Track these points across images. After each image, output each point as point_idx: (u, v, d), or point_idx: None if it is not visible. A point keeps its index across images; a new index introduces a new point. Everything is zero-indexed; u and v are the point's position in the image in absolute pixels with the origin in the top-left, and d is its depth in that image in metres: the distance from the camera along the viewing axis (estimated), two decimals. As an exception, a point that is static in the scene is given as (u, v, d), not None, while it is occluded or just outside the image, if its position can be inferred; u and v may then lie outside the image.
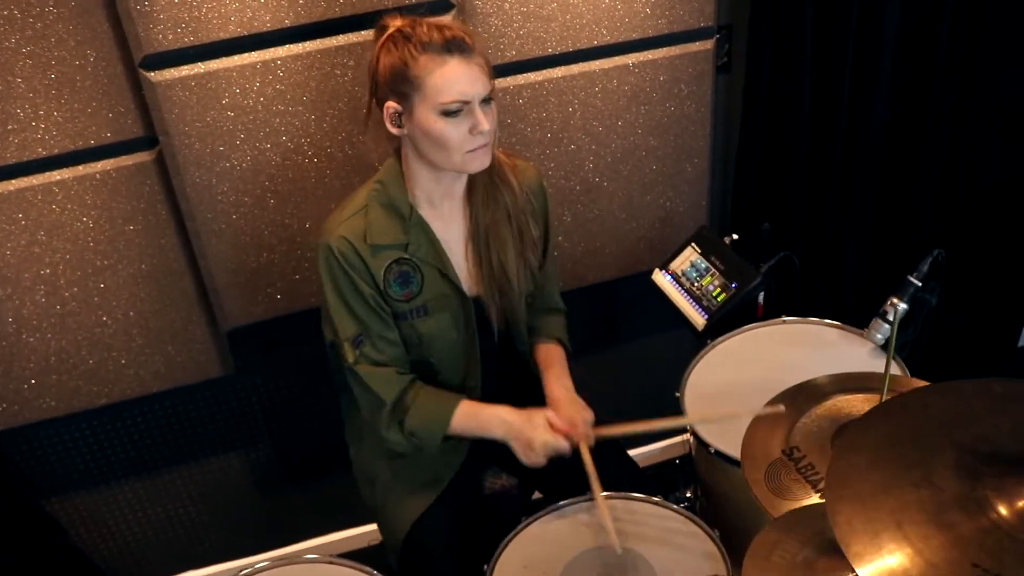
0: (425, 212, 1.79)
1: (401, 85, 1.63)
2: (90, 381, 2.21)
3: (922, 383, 1.61)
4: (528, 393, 1.99)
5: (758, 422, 1.59)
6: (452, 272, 1.81)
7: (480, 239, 1.83)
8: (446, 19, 1.65)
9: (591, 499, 1.77)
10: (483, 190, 1.82)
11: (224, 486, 2.58)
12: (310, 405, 2.51)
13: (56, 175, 1.98)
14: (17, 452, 2.34)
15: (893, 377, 1.64)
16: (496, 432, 1.79)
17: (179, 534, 2.62)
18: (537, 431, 1.75)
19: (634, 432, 1.81)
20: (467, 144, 1.64)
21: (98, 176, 2.00)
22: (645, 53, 2.25)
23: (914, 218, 2.54)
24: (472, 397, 1.87)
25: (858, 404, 1.55)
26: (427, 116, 1.61)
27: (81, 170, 1.99)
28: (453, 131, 1.62)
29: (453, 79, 1.59)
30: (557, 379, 1.92)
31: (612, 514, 1.71)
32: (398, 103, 1.65)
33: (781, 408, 1.57)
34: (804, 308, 2.27)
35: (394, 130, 1.69)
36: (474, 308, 1.85)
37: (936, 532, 0.98)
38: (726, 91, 2.47)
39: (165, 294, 2.17)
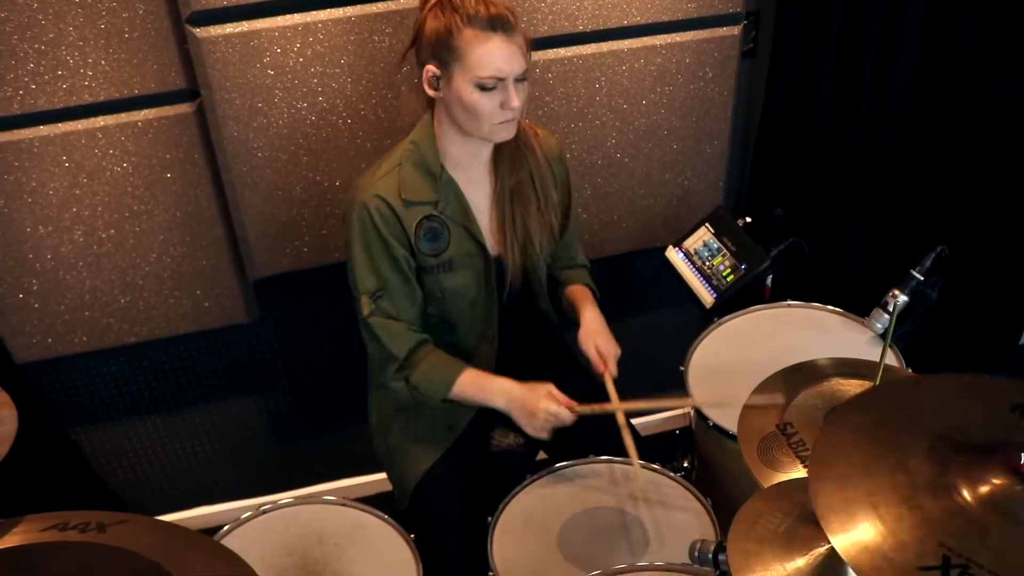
0: (454, 172, 1.87)
1: (443, 52, 1.70)
2: (121, 319, 2.31)
3: (912, 374, 1.69)
4: (543, 351, 2.09)
5: (755, 395, 1.68)
6: (478, 230, 1.89)
7: (505, 200, 1.92)
8: None
9: (591, 460, 1.88)
10: (508, 155, 1.90)
11: (241, 428, 2.69)
12: (329, 356, 2.61)
13: (100, 121, 2.06)
14: (48, 383, 2.45)
15: (887, 367, 1.72)
16: (498, 402, 1.86)
17: (195, 471, 2.74)
18: (540, 401, 1.81)
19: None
20: (497, 117, 1.72)
21: (140, 124, 2.08)
22: (673, 35, 2.30)
23: (926, 211, 2.60)
24: (490, 350, 1.96)
25: (852, 388, 1.63)
26: (464, 86, 1.69)
27: (124, 118, 2.07)
28: (486, 103, 1.69)
29: (494, 55, 1.66)
30: (591, 311, 2.00)
31: (612, 477, 1.81)
32: (438, 68, 1.73)
33: (780, 399, 1.64)
34: (811, 293, 2.34)
35: (431, 92, 1.76)
36: (495, 267, 1.94)
37: (907, 513, 1.06)
38: (750, 76, 2.52)
39: (197, 241, 2.26)
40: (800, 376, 1.69)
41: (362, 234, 1.81)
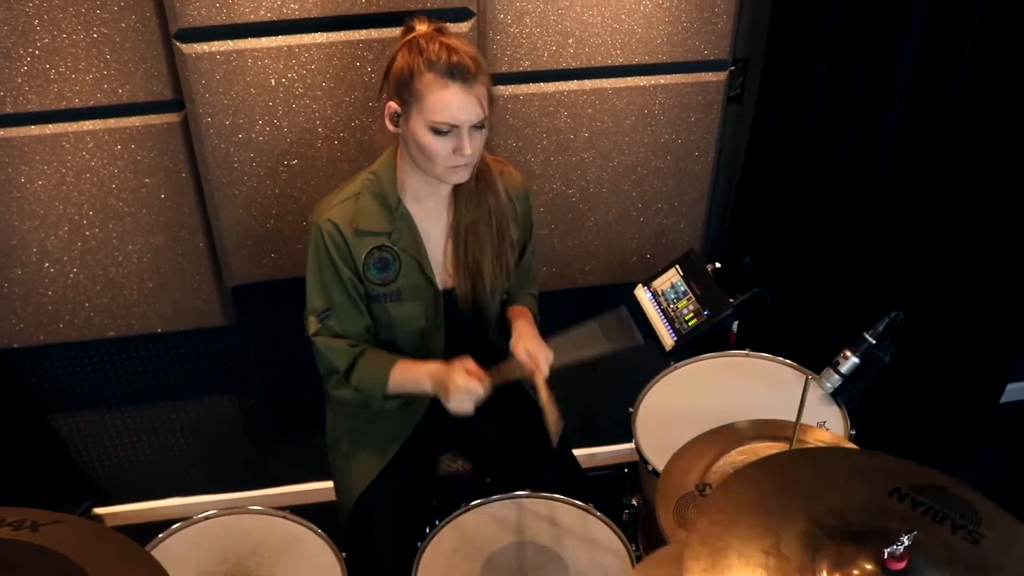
0: (411, 206, 1.92)
1: (404, 91, 1.75)
2: (102, 314, 2.39)
3: (843, 443, 1.71)
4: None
5: (684, 452, 1.71)
6: (428, 264, 1.94)
7: (460, 237, 1.96)
8: (458, 42, 1.73)
9: (530, 495, 1.92)
10: (468, 192, 1.93)
11: (214, 426, 2.77)
12: (301, 363, 2.64)
13: (89, 125, 2.14)
14: (30, 369, 2.54)
15: (815, 430, 1.75)
16: (426, 384, 1.90)
17: (168, 463, 2.82)
18: (455, 375, 1.83)
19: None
20: (449, 160, 1.76)
21: (127, 131, 2.16)
22: (657, 77, 2.33)
23: (901, 271, 2.61)
24: None
25: (771, 452, 1.66)
26: (419, 127, 1.73)
27: (112, 123, 2.15)
28: (439, 147, 1.74)
29: (450, 103, 1.70)
30: (524, 322, 2.03)
31: (547, 513, 1.86)
32: (399, 105, 1.77)
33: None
34: (778, 343, 2.36)
35: (391, 127, 1.81)
36: (444, 300, 1.98)
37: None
38: (736, 121, 2.54)
39: (178, 245, 2.33)
40: (726, 436, 1.72)
41: (315, 255, 1.88)
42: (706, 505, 1.21)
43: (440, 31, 1.77)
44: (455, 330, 2.03)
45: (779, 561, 1.13)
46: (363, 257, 1.87)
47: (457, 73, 1.69)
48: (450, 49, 1.70)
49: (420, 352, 2.00)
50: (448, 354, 2.02)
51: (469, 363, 1.86)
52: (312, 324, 1.92)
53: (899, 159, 2.47)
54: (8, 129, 2.11)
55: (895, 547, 1.08)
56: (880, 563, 1.11)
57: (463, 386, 1.82)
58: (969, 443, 2.88)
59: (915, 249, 2.59)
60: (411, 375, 1.93)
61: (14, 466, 2.54)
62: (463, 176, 1.81)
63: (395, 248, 1.89)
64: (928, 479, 1.25)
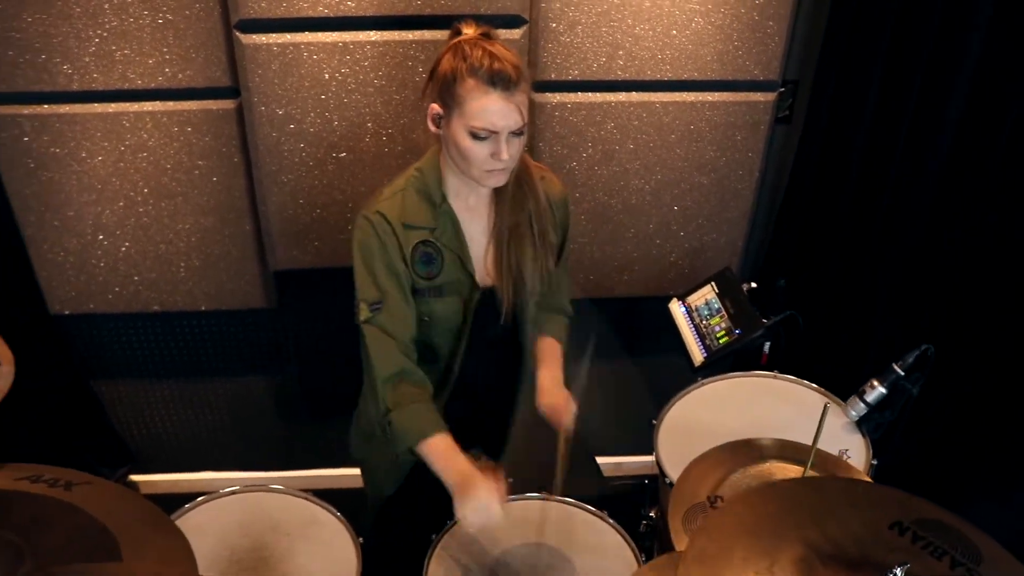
0: (454, 202, 1.95)
1: (447, 94, 1.79)
2: (149, 288, 2.47)
3: (859, 475, 1.71)
4: (520, 379, 2.16)
5: (700, 462, 1.73)
6: (469, 260, 1.97)
7: (502, 237, 1.99)
8: (502, 49, 1.75)
9: (544, 496, 1.94)
10: (510, 194, 1.96)
11: (247, 406, 2.84)
12: (338, 350, 2.72)
13: (149, 106, 2.22)
14: (79, 336, 2.64)
15: (832, 459, 1.76)
16: (449, 478, 1.83)
17: (201, 438, 2.91)
18: (478, 489, 1.77)
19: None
20: (487, 164, 1.79)
21: (184, 114, 2.24)
22: (705, 94, 2.35)
23: (945, 300, 2.57)
24: (451, 377, 2.05)
25: (787, 473, 1.67)
26: (459, 130, 1.77)
27: (171, 106, 2.23)
28: (477, 151, 1.77)
29: (489, 110, 1.74)
30: (549, 370, 2.05)
31: (555, 515, 1.89)
32: (441, 107, 1.81)
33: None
34: (810, 367, 2.35)
35: (433, 128, 1.85)
36: (483, 297, 2.02)
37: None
38: (783, 142, 2.54)
39: (226, 227, 2.41)
40: (744, 451, 1.73)
41: (365, 246, 1.90)
42: (706, 523, 1.23)
43: (486, 36, 1.80)
44: (491, 329, 2.06)
45: (772, 583, 1.15)
46: (410, 251, 1.91)
47: (498, 80, 1.72)
48: (493, 56, 1.73)
49: (448, 349, 2.04)
50: (477, 352, 2.06)
51: (498, 483, 1.79)
52: (363, 312, 1.91)
53: (946, 190, 2.44)
54: (73, 105, 2.20)
55: (889, 577, 1.10)
56: (870, 594, 1.12)
57: (483, 503, 1.76)
58: (1001, 485, 2.83)
59: (955, 281, 2.56)
60: (443, 461, 1.86)
61: (59, 428, 2.64)
62: (500, 180, 1.85)
63: (438, 243, 1.93)
64: (931, 514, 1.25)
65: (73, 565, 1.25)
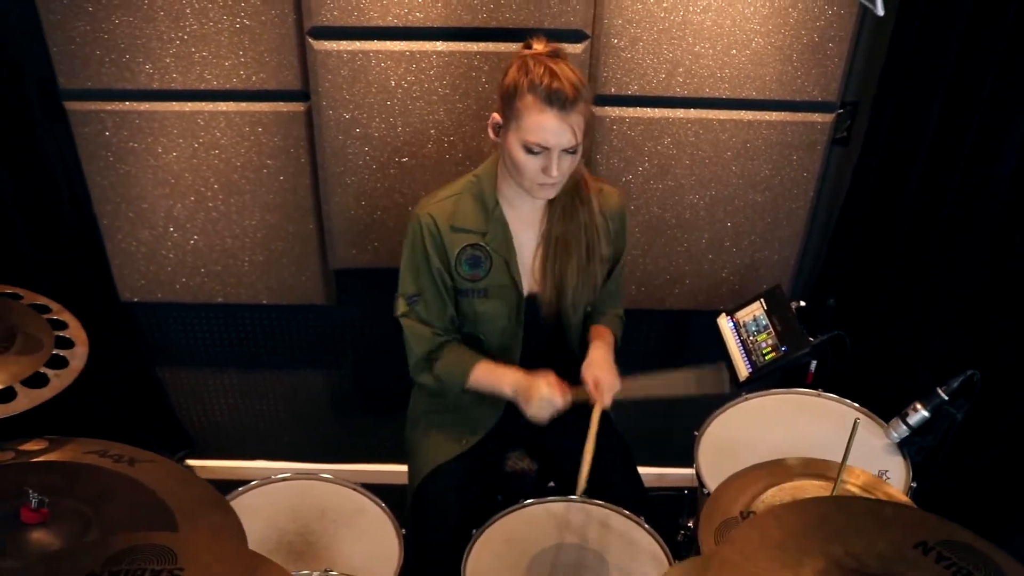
0: (507, 210, 2.02)
1: (507, 106, 1.86)
2: (214, 280, 2.58)
3: (896, 495, 1.73)
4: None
5: (736, 478, 1.76)
6: (516, 267, 2.04)
7: (550, 246, 2.05)
8: (565, 68, 1.80)
9: (585, 500, 1.99)
10: (562, 205, 2.02)
11: (303, 399, 2.94)
12: (392, 349, 2.79)
13: (223, 106, 2.33)
14: (146, 323, 2.76)
15: (870, 479, 1.77)
16: (506, 388, 2.02)
17: (256, 428, 3.01)
18: (539, 383, 1.95)
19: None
20: (538, 178, 1.86)
21: (256, 115, 2.34)
22: (763, 113, 2.37)
23: (997, 327, 2.55)
24: None
25: (821, 492, 1.69)
26: (514, 142, 1.84)
27: (244, 106, 2.33)
28: (530, 164, 1.84)
29: (544, 127, 1.80)
30: (601, 347, 2.10)
31: (600, 518, 1.94)
32: (501, 118, 1.88)
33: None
34: (855, 388, 2.36)
35: (493, 136, 1.93)
36: (528, 304, 2.08)
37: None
38: (840, 164, 2.55)
39: (290, 225, 2.50)
40: (780, 469, 1.76)
41: (411, 244, 2.02)
42: (733, 535, 1.26)
43: (554, 55, 1.85)
44: (535, 334, 2.12)
45: (794, 594, 1.18)
46: (456, 252, 1.99)
47: (556, 100, 1.78)
48: (553, 75, 1.78)
49: (501, 349, 2.10)
50: (526, 356, 2.12)
51: (552, 376, 1.97)
52: (401, 306, 2.06)
53: (1004, 223, 2.42)
54: (153, 103, 2.31)
55: (907, 591, 1.12)
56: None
57: (546, 395, 1.94)
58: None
59: (1010, 307, 2.53)
60: (493, 376, 2.05)
61: (123, 410, 2.76)
62: (549, 194, 1.91)
63: (488, 248, 2.00)
64: (958, 536, 1.27)
65: (134, 533, 1.33)
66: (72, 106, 2.32)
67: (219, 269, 2.56)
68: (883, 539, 1.24)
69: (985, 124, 2.31)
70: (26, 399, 1.66)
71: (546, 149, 1.82)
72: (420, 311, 2.06)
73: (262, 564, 1.30)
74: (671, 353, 2.85)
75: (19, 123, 2.33)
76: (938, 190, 2.41)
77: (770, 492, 1.71)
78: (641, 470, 2.24)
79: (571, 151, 1.84)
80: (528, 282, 2.07)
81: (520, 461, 2.28)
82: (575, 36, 2.23)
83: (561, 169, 1.84)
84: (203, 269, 2.56)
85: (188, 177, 2.41)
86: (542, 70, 1.79)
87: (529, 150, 1.82)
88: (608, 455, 2.01)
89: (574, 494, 1.99)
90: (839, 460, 1.75)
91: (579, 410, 2.16)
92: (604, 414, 1.99)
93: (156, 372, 2.85)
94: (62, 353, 1.80)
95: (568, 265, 2.04)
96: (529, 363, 2.14)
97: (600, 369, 2.02)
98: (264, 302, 2.63)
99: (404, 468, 2.34)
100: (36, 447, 1.73)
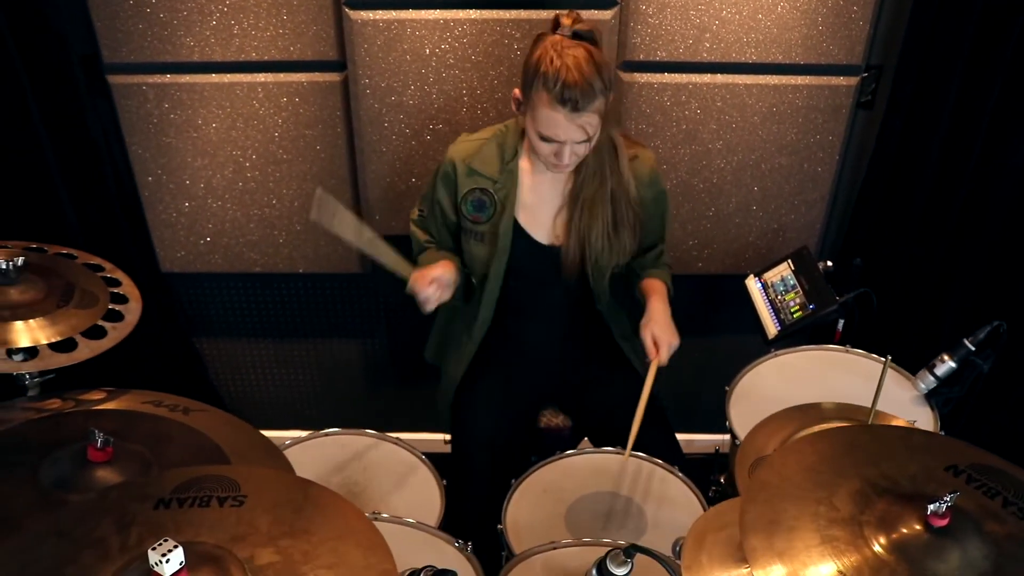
0: (524, 164, 2.08)
1: (525, 90, 1.91)
2: (252, 250, 2.65)
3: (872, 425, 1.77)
4: (596, 348, 2.27)
5: (768, 422, 1.81)
6: (510, 216, 2.09)
7: (576, 206, 2.09)
8: (583, 61, 1.81)
9: (619, 451, 2.04)
10: (593, 169, 2.06)
11: (339, 366, 3.00)
12: (428, 318, 2.86)
13: (261, 77, 2.39)
14: (184, 293, 2.83)
15: (895, 418, 1.82)
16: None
17: (291, 397, 3.08)
18: (419, 280, 2.05)
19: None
20: (550, 160, 1.94)
21: (293, 85, 2.40)
22: (789, 77, 2.41)
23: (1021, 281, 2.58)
24: (542, 328, 2.27)
25: (851, 430, 1.74)
26: (530, 124, 1.92)
27: (282, 77, 2.39)
28: (543, 147, 1.93)
29: (554, 124, 1.87)
30: (661, 302, 2.15)
31: (635, 469, 1.99)
32: (521, 95, 1.94)
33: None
34: (883, 344, 2.39)
35: (515, 109, 1.98)
36: (550, 256, 2.13)
37: (818, 541, 1.20)
38: (864, 127, 2.58)
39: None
40: (811, 413, 1.81)
41: (433, 176, 2.17)
42: (770, 460, 1.31)
43: (578, 36, 1.85)
44: (554, 289, 2.17)
45: (830, 510, 1.23)
46: (464, 192, 2.08)
47: (568, 101, 1.82)
48: (569, 71, 1.80)
49: (487, 297, 2.19)
50: (548, 310, 2.20)
51: (437, 271, 2.05)
52: (414, 212, 2.25)
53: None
54: (193, 75, 2.38)
55: (938, 504, 1.16)
56: (924, 521, 1.19)
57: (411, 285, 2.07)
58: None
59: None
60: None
61: (162, 379, 2.83)
62: (564, 171, 2.00)
63: (496, 196, 2.07)
64: (987, 460, 1.32)
65: (193, 467, 1.40)
66: (115, 79, 2.39)
67: (256, 239, 2.63)
68: (914, 462, 1.29)
69: (1008, 85, 2.35)
70: (87, 349, 1.74)
71: (558, 141, 1.88)
72: (426, 223, 2.23)
73: (318, 491, 1.36)
74: (701, 317, 2.89)
75: (64, 98, 2.39)
76: (962, 151, 2.45)
77: (802, 433, 1.76)
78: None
79: (586, 141, 1.90)
80: (548, 236, 2.12)
81: (555, 417, 2.33)
82: (605, 3, 2.28)
83: (574, 156, 1.91)
84: (241, 239, 2.62)
85: (227, 148, 2.48)
86: (559, 64, 1.81)
87: (542, 137, 1.89)
88: (647, 419, 2.06)
89: (609, 446, 2.05)
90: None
91: (612, 367, 2.22)
92: (659, 371, 2.04)
93: (193, 342, 2.92)
94: (117, 308, 1.87)
95: (591, 230, 2.08)
96: (552, 317, 2.22)
97: (658, 326, 2.07)
98: (301, 271, 2.70)
99: (438, 436, 2.41)
100: (96, 396, 1.80)
